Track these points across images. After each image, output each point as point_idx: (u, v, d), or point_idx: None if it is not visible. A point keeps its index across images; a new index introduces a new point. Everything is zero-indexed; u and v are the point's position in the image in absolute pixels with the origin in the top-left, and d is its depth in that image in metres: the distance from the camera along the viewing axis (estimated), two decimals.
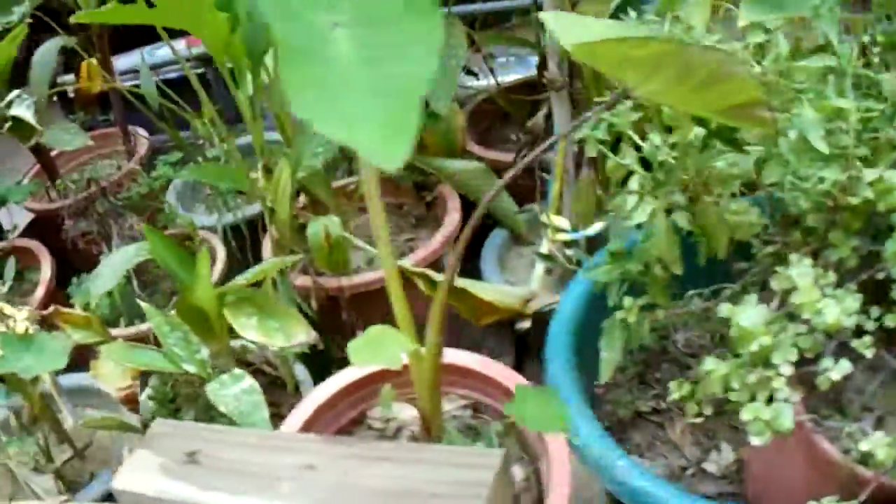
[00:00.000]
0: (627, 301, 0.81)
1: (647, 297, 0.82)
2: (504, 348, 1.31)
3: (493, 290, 1.15)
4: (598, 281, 0.85)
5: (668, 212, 0.75)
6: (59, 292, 1.46)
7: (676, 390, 0.71)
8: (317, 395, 0.94)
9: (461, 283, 1.20)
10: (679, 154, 0.68)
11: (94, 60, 1.58)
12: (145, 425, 1.05)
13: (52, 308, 1.06)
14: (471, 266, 1.30)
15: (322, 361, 1.15)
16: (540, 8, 1.17)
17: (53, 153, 1.72)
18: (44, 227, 1.70)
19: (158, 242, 1.02)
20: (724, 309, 0.64)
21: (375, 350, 0.75)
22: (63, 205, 1.53)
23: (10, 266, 1.36)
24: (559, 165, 1.14)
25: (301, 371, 1.15)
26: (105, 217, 1.29)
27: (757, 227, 0.73)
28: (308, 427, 0.91)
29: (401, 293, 0.79)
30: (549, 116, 1.35)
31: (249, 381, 0.93)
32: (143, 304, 1.00)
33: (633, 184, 0.72)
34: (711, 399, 0.67)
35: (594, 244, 1.18)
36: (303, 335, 0.95)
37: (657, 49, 0.56)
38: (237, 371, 0.95)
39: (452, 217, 1.28)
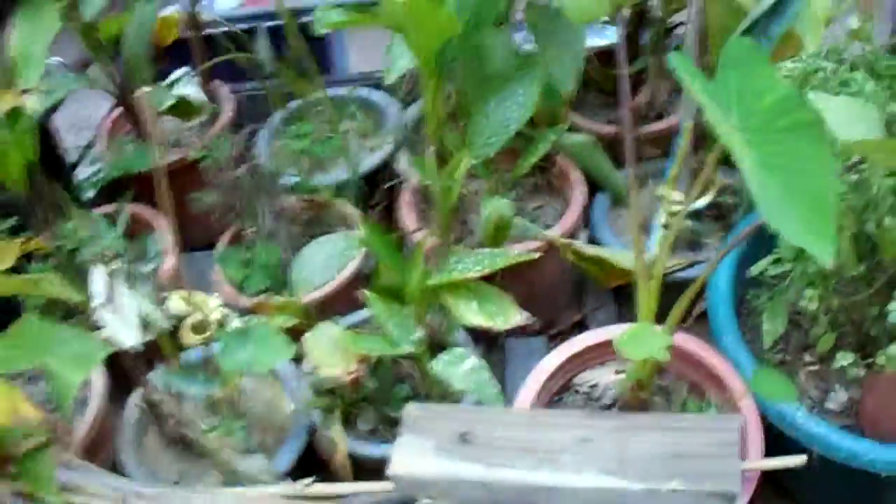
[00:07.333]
0: (809, 292, 1.02)
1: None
2: (603, 301, 1.50)
3: (623, 256, 1.32)
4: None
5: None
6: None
7: None
8: (543, 368, 1.10)
9: (592, 250, 1.37)
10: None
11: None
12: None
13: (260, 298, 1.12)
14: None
15: None
16: None
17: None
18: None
19: (374, 235, 1.10)
20: None
21: (641, 344, 0.93)
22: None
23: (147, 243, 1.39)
24: (682, 148, 1.31)
25: None
26: (253, 194, 1.32)
27: None
28: (538, 397, 1.08)
29: (648, 287, 0.97)
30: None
31: (474, 360, 1.07)
32: (365, 292, 1.09)
33: None
34: None
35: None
36: (518, 316, 1.09)
37: None
38: (458, 350, 1.08)
39: (581, 189, 1.44)
